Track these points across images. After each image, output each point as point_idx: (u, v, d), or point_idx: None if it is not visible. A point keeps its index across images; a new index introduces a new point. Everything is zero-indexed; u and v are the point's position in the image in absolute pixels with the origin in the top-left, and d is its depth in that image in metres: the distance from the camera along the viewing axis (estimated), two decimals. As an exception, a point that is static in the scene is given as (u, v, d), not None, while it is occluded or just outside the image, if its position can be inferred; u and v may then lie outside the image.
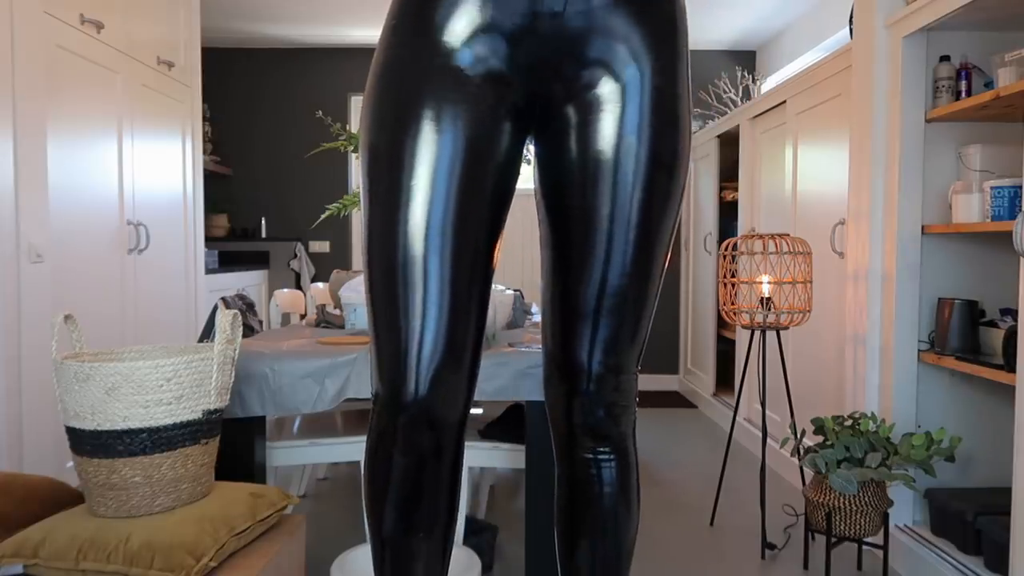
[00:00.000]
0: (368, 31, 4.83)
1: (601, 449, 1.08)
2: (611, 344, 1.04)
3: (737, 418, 2.68)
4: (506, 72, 1.00)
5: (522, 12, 0.97)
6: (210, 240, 4.56)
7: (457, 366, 0.99)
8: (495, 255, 1.04)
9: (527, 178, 1.85)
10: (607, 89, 1.01)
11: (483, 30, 0.97)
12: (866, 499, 2.05)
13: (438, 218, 0.95)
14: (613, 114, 1.01)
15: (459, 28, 0.97)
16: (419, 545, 1.03)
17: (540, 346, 1.84)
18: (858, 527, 2.06)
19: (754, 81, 4.84)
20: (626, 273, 1.02)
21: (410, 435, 0.99)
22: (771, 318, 2.44)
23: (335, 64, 5.16)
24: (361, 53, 5.16)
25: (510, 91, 1.01)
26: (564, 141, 1.04)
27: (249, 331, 2.41)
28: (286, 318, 3.20)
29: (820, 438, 2.24)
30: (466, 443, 1.98)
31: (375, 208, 0.97)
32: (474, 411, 2.21)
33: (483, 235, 1.00)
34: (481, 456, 1.99)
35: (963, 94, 2.13)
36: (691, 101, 1.09)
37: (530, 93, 1.03)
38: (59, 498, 1.52)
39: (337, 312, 2.50)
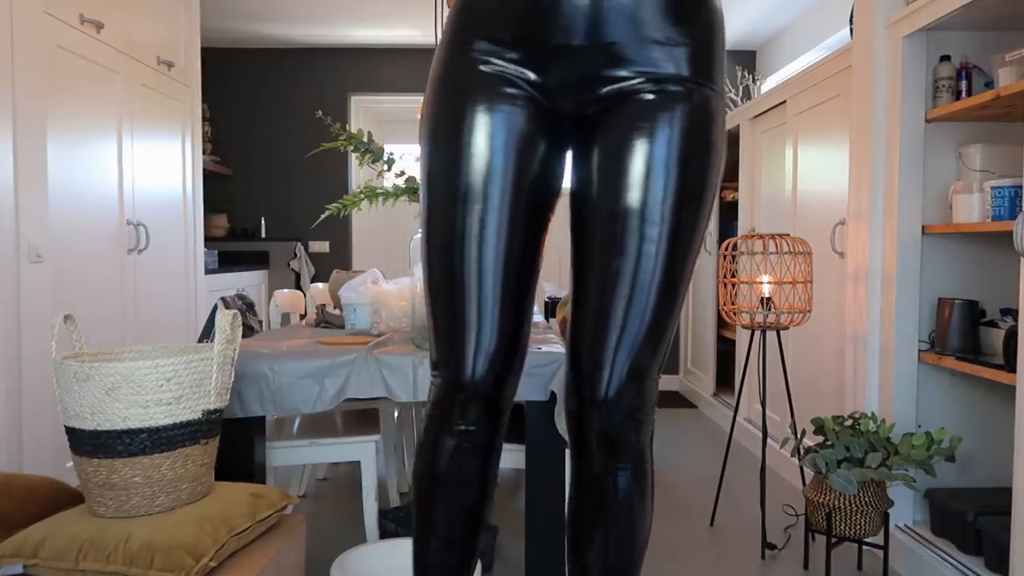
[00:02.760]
0: (368, 31, 4.83)
1: (619, 455, 1.08)
2: (634, 353, 1.04)
3: (737, 418, 2.68)
4: (539, 93, 1.07)
5: (552, 38, 1.03)
6: (210, 240, 4.56)
7: (509, 351, 1.09)
8: (541, 252, 1.13)
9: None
10: (641, 106, 1.04)
11: (519, 52, 1.06)
12: (866, 499, 2.05)
13: (493, 222, 1.05)
14: (646, 132, 1.03)
15: (498, 51, 1.06)
16: (458, 514, 1.14)
17: (539, 346, 1.84)
18: (858, 527, 2.06)
19: (754, 81, 4.84)
20: (653, 288, 1.03)
21: (465, 411, 1.11)
22: (771, 318, 2.44)
23: (335, 64, 5.16)
24: (361, 53, 5.16)
25: (546, 107, 1.08)
26: (597, 156, 1.07)
27: (249, 331, 2.41)
28: (286, 318, 3.20)
29: (820, 438, 2.24)
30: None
31: (433, 208, 1.08)
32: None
33: (529, 235, 1.08)
34: (481, 456, 1.98)
35: (963, 94, 2.13)
36: (725, 115, 1.10)
37: (567, 109, 1.08)
38: (59, 498, 1.52)
39: (337, 312, 2.50)
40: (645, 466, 1.10)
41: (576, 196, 1.11)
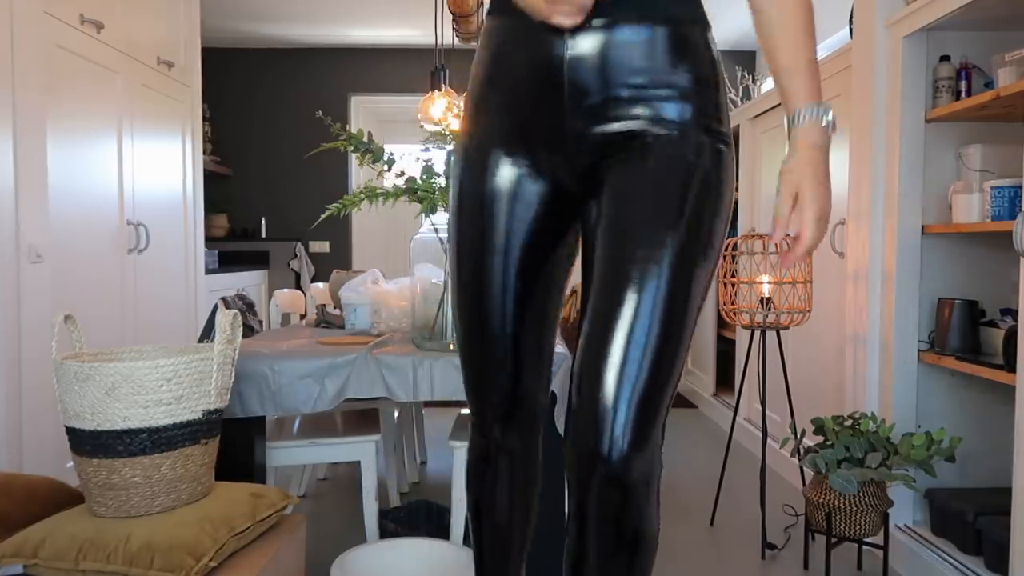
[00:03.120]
0: (367, 31, 4.83)
1: (623, 494, 1.00)
2: (638, 392, 0.98)
3: (737, 418, 2.68)
4: (548, 155, 1.10)
5: (561, 98, 1.06)
6: (210, 240, 4.56)
7: (521, 401, 1.19)
8: (557, 310, 1.20)
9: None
10: (645, 150, 1.04)
11: (520, 134, 1.10)
12: (866, 499, 2.05)
13: (511, 281, 1.13)
14: (650, 175, 1.03)
15: (500, 133, 1.12)
16: (500, 525, 1.26)
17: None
18: (858, 527, 2.06)
19: (754, 81, 4.84)
20: (653, 332, 0.99)
21: (488, 449, 1.24)
22: (771, 318, 2.44)
23: (335, 64, 5.16)
24: (361, 53, 5.16)
25: (552, 180, 1.12)
26: (601, 202, 1.08)
27: (249, 331, 2.41)
28: (286, 318, 3.20)
29: (820, 438, 2.24)
30: (465, 443, 1.98)
31: (459, 268, 1.18)
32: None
33: (539, 295, 1.16)
34: (481, 456, 1.99)
35: (963, 94, 2.13)
36: (732, 159, 1.09)
37: (575, 163, 1.10)
38: (59, 498, 1.52)
39: (337, 312, 2.50)
40: (650, 504, 1.02)
41: (586, 240, 1.12)
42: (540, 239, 1.14)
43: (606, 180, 1.07)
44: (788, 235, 1.09)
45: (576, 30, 1.03)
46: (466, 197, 1.16)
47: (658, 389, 0.99)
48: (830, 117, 1.05)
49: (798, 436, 2.28)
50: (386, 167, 2.04)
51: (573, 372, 1.03)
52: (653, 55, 1.04)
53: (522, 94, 1.09)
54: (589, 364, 1.00)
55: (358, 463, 2.06)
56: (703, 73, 1.06)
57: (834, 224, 2.71)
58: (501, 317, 1.15)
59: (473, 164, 1.16)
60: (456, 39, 3.81)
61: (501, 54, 1.11)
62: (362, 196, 1.97)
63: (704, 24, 1.08)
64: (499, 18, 1.11)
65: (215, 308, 2.23)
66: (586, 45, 1.03)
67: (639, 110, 1.04)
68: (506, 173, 1.13)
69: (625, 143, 1.06)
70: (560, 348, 1.84)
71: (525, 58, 1.08)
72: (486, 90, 1.14)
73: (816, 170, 1.04)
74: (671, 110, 1.04)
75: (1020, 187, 1.88)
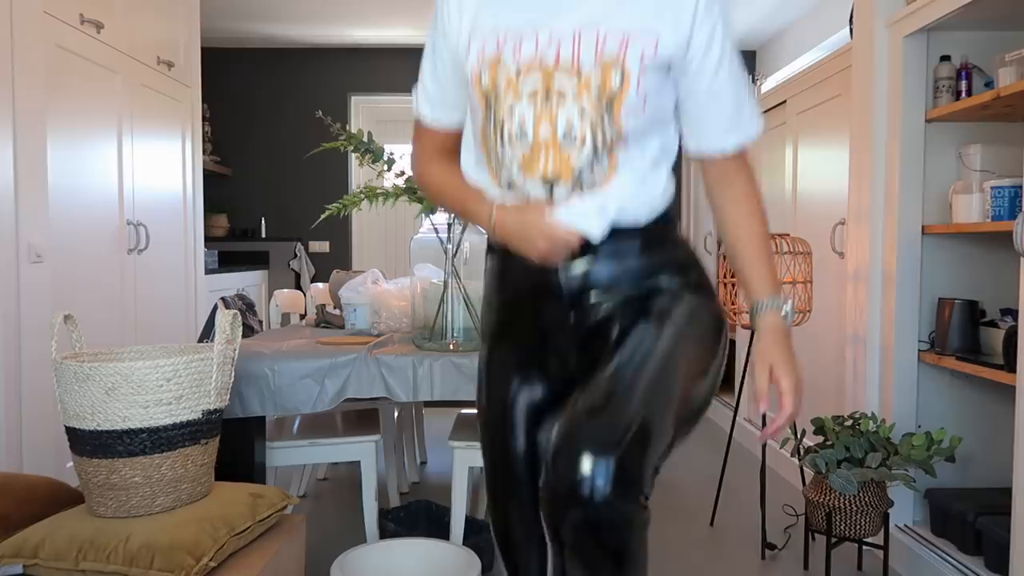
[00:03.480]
0: (368, 31, 4.83)
1: (605, 540, 0.97)
2: (619, 456, 0.96)
3: (737, 418, 2.68)
4: (554, 370, 1.19)
5: (554, 321, 1.16)
6: (210, 240, 4.56)
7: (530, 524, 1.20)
8: None
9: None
10: (638, 305, 1.13)
11: (528, 345, 1.20)
12: (866, 499, 2.05)
13: (520, 457, 1.20)
14: (644, 322, 1.11)
15: (515, 354, 1.22)
16: None
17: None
18: (858, 527, 2.06)
19: (754, 81, 4.84)
20: (642, 400, 1.03)
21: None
22: (771, 318, 2.43)
23: (335, 64, 5.16)
24: (361, 53, 5.16)
25: (563, 376, 1.19)
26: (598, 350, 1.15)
27: (249, 331, 2.41)
28: (286, 318, 3.20)
29: (820, 438, 2.24)
30: (465, 443, 1.99)
31: (481, 414, 1.27)
32: (473, 411, 2.22)
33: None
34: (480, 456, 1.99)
35: (963, 94, 2.13)
36: (723, 316, 1.18)
37: (580, 358, 1.17)
38: (59, 498, 1.52)
39: (337, 312, 2.50)
40: (637, 544, 0.99)
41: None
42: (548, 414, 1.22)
43: (611, 337, 1.13)
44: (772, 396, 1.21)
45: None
46: (492, 395, 1.24)
47: (643, 451, 0.98)
48: (788, 307, 1.20)
49: (798, 436, 2.28)
50: (386, 167, 2.04)
51: (555, 430, 1.04)
52: (637, 256, 1.14)
53: (525, 306, 1.19)
54: (573, 423, 1.01)
55: (358, 463, 2.06)
56: (683, 259, 1.20)
57: (834, 224, 2.72)
58: (520, 498, 1.21)
59: (493, 375, 1.25)
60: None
61: (506, 272, 1.22)
62: (362, 196, 1.97)
63: (676, 223, 1.22)
64: (497, 252, 1.21)
65: (215, 308, 2.23)
66: (577, 265, 1.14)
67: (634, 292, 1.14)
68: (522, 383, 1.21)
69: (611, 323, 1.14)
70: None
71: (524, 271, 1.17)
72: (495, 311, 1.24)
73: (783, 347, 1.19)
74: (664, 281, 1.15)
75: (1020, 187, 1.88)
